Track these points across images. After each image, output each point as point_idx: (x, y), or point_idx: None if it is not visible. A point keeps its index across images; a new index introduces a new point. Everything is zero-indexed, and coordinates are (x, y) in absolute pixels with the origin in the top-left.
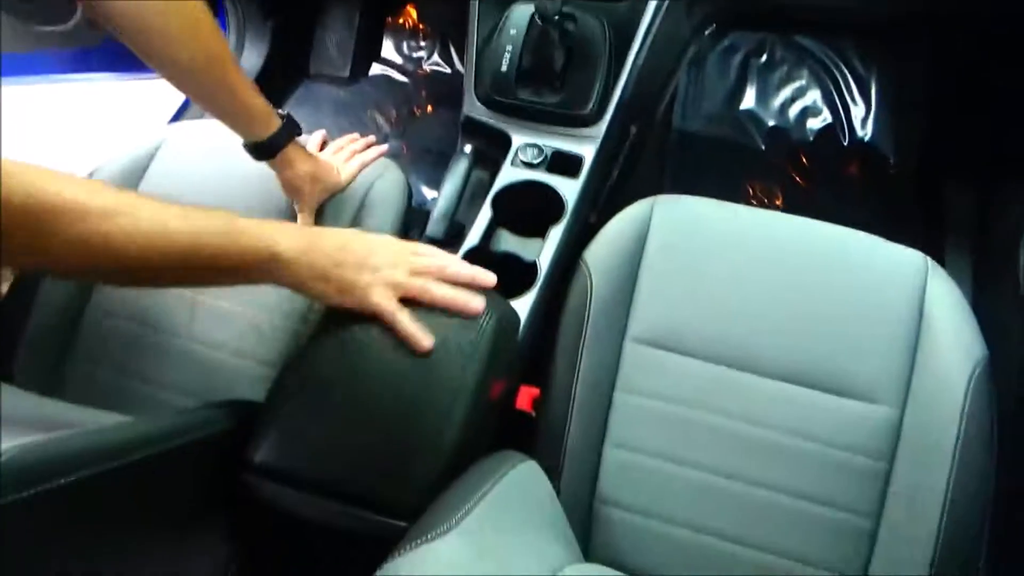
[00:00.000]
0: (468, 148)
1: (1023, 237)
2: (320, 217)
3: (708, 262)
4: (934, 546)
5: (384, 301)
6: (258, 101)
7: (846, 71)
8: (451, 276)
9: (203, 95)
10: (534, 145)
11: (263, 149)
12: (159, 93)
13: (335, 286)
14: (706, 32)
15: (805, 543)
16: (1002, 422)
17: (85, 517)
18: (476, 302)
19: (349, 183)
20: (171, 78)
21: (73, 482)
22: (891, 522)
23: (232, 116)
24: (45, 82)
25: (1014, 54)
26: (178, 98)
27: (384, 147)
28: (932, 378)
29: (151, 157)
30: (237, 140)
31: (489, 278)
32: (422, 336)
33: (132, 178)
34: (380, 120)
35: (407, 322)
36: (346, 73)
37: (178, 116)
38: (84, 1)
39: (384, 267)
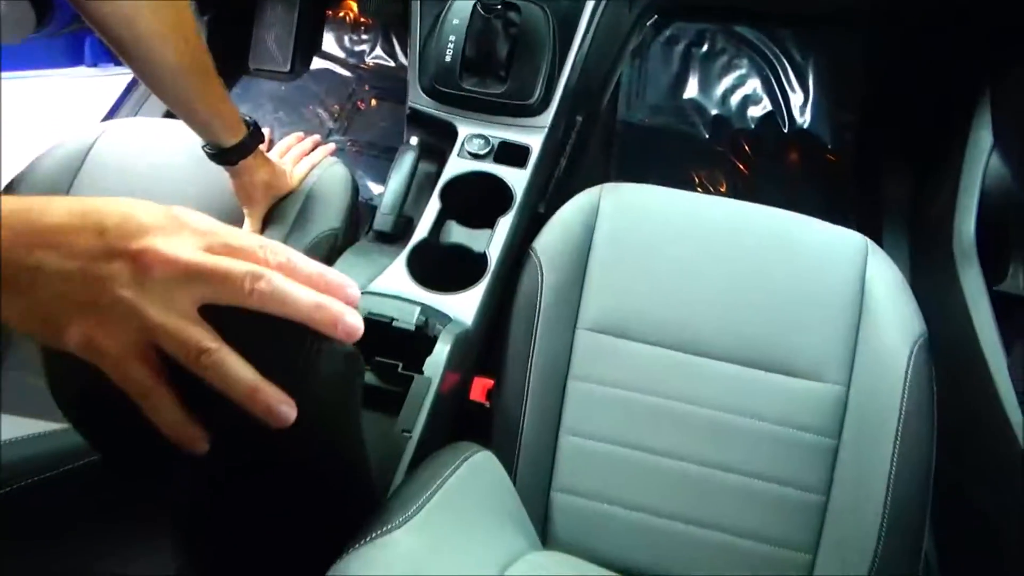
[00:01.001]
0: (414, 140)
1: (955, 216)
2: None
3: (656, 248)
4: (881, 516)
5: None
6: (230, 107)
7: (784, 60)
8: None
9: (180, 98)
10: (480, 136)
11: (225, 155)
12: (88, 91)
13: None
14: (648, 22)
15: (759, 521)
16: (940, 394)
17: (24, 528)
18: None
19: (298, 186)
20: (152, 80)
21: (11, 492)
22: (839, 496)
23: (204, 121)
24: None
25: (940, 44)
26: (110, 96)
27: (331, 146)
28: (874, 355)
29: (86, 153)
30: (172, 138)
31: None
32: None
33: (67, 174)
34: (323, 115)
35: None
36: (286, 68)
37: (112, 114)
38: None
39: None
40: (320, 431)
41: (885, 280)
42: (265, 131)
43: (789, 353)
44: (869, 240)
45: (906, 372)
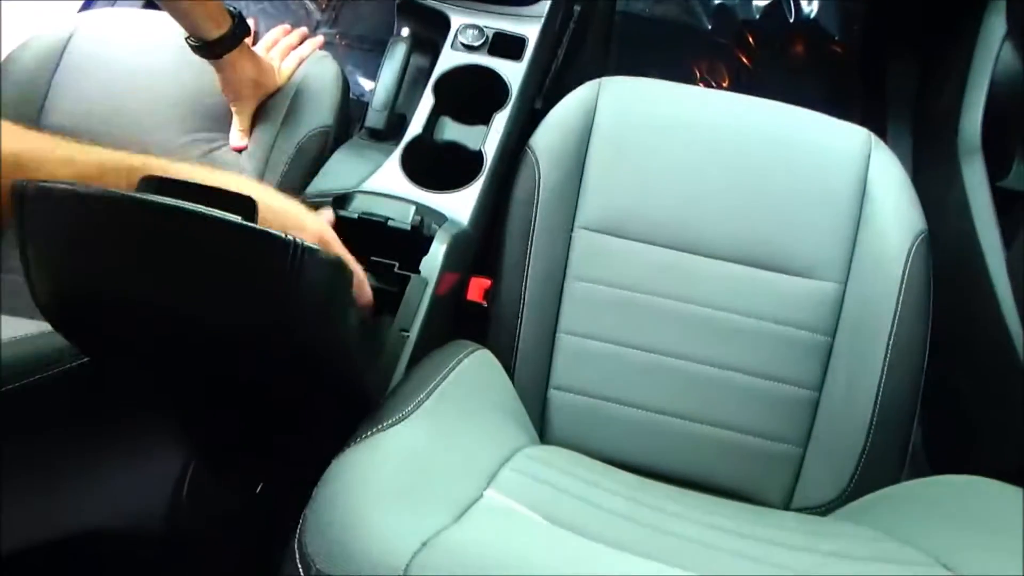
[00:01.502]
0: (405, 32)
1: (961, 110)
2: None
3: (655, 145)
4: (871, 411)
5: None
6: None
7: None
8: None
9: None
10: (474, 26)
11: (209, 48)
12: None
13: None
14: None
15: (753, 416)
16: (938, 292)
17: (34, 426)
18: None
19: (287, 82)
20: None
21: (16, 389)
22: (832, 392)
23: (185, 10)
24: None
25: None
26: None
27: (320, 39)
28: (873, 252)
29: (64, 48)
30: (153, 30)
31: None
32: None
33: (45, 71)
34: (310, 6)
35: None
36: None
37: (88, 4)
38: None
39: None
40: (312, 338)
41: (887, 176)
42: (250, 23)
43: (787, 251)
44: (873, 135)
45: (904, 269)
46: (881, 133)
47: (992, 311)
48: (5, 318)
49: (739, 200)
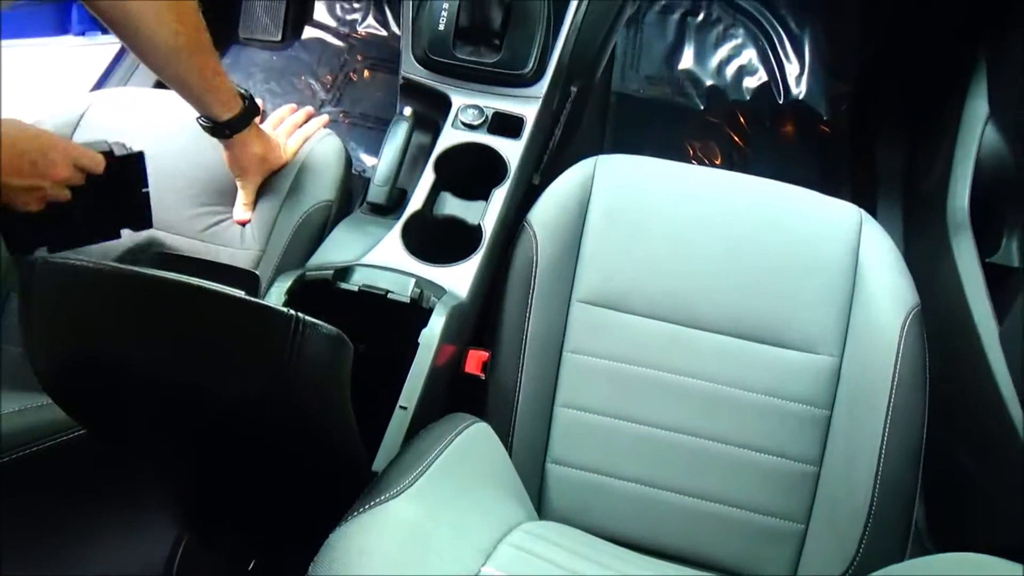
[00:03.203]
0: (407, 111)
1: (949, 188)
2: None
3: (651, 220)
4: (872, 486)
5: None
6: (226, 82)
7: (780, 30)
8: None
9: (176, 76)
10: (474, 106)
11: (221, 129)
12: (76, 60)
13: None
14: None
15: (752, 491)
16: (933, 365)
17: (28, 497)
18: None
19: (292, 159)
20: (148, 59)
21: (9, 462)
22: (832, 466)
23: (200, 97)
24: None
25: (932, 14)
26: (99, 66)
27: (324, 118)
28: (868, 326)
29: (75, 125)
30: (163, 108)
31: None
32: None
33: None
34: (315, 86)
35: None
36: (278, 37)
37: (101, 83)
38: None
39: None
40: (309, 411)
41: (879, 251)
42: (258, 102)
43: (782, 325)
44: (863, 211)
45: (899, 343)
46: (871, 210)
47: (988, 385)
48: (5, 392)
49: (734, 275)
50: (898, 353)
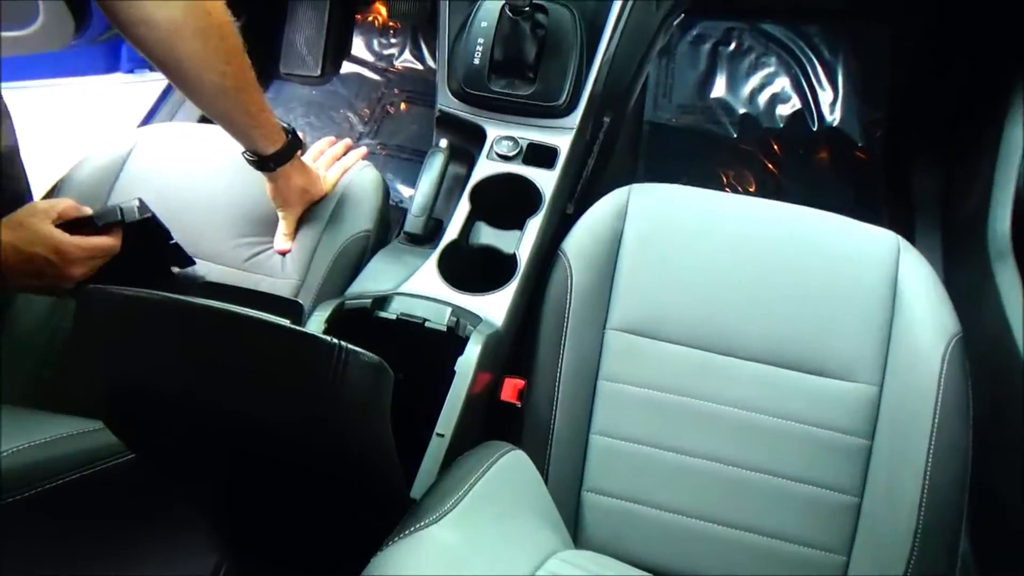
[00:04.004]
0: (443, 143)
1: (989, 214)
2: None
3: (685, 248)
4: (916, 517)
5: None
6: (270, 118)
7: (813, 57)
8: None
9: (223, 114)
10: (509, 138)
11: (265, 162)
12: (124, 95)
13: None
14: (675, 22)
15: (791, 522)
16: (976, 394)
17: (73, 521)
18: None
19: (331, 190)
20: (196, 98)
21: (49, 489)
22: (874, 497)
23: (246, 132)
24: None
25: (964, 40)
26: (146, 100)
27: (363, 150)
28: (908, 354)
29: (124, 160)
30: (207, 142)
31: None
32: None
33: (107, 179)
34: (353, 119)
35: None
36: (317, 72)
37: (148, 119)
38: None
39: None
40: (350, 437)
41: (918, 278)
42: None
43: (820, 353)
44: (901, 238)
45: (940, 372)
46: (909, 236)
47: None
48: (52, 416)
49: (771, 302)
50: (940, 382)
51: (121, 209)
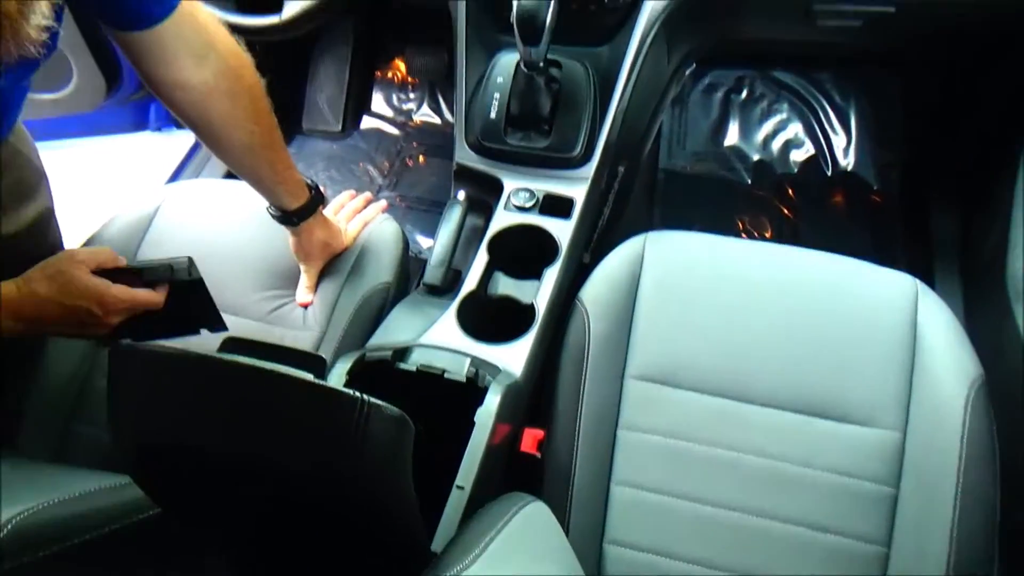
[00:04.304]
0: (461, 195)
1: (1008, 255)
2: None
3: (702, 295)
4: (946, 566)
5: None
6: (295, 174)
7: (825, 103)
8: None
9: (250, 171)
10: (526, 189)
11: (288, 217)
12: (153, 151)
13: None
14: (687, 71)
15: (818, 572)
16: (1002, 439)
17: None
18: None
19: (352, 243)
20: (224, 156)
21: (78, 545)
22: (901, 546)
23: (270, 188)
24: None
25: (974, 87)
26: (174, 156)
27: (383, 203)
28: (930, 399)
29: (152, 216)
30: (232, 198)
31: None
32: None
33: (136, 235)
34: (373, 172)
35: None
36: (338, 127)
37: (176, 176)
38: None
39: None
40: (373, 490)
41: (938, 322)
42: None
43: (842, 399)
44: (919, 282)
45: (964, 416)
46: (928, 280)
47: None
48: (79, 471)
49: (790, 349)
50: (964, 427)
51: (172, 268)
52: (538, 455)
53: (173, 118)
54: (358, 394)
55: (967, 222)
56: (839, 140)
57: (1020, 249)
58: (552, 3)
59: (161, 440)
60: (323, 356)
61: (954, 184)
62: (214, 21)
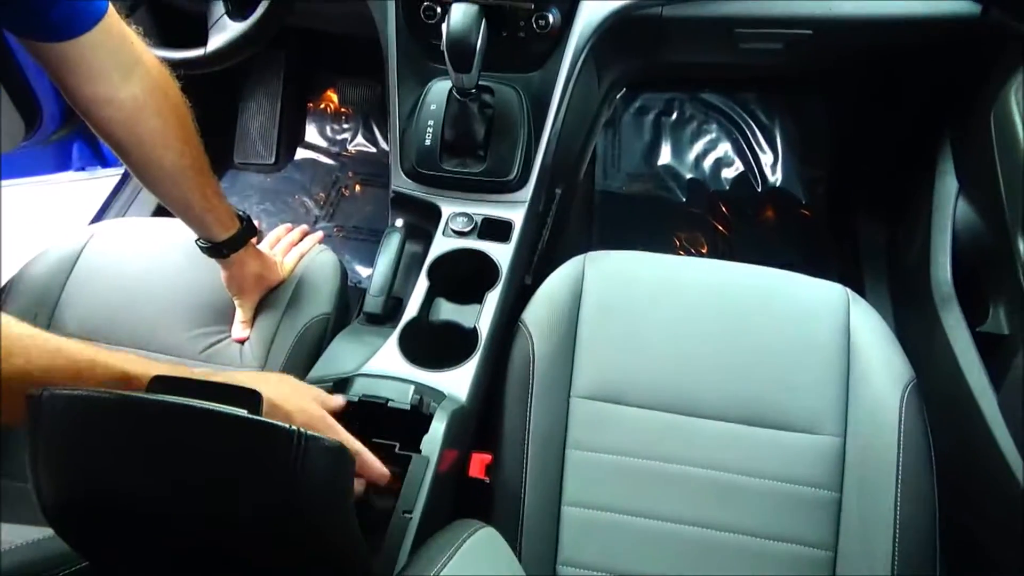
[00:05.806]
0: (399, 222)
1: (931, 262)
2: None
3: (643, 313)
4: (891, 565)
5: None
6: (224, 202)
7: (752, 122)
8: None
9: (181, 197)
10: (464, 214)
11: (218, 249)
12: (74, 193)
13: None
14: (618, 95)
15: None
16: (935, 438)
17: None
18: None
19: (288, 275)
20: (150, 180)
21: None
22: (847, 549)
23: (198, 217)
24: None
25: (891, 101)
26: (98, 197)
27: (319, 234)
28: (867, 403)
29: (76, 257)
30: (161, 236)
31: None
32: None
33: (58, 279)
34: (309, 203)
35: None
36: (271, 160)
37: (100, 215)
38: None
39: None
40: (315, 523)
41: (869, 329)
42: (254, 223)
43: (782, 408)
44: (849, 291)
45: (899, 418)
46: (859, 288)
47: (993, 454)
48: (6, 526)
49: (729, 361)
50: (900, 428)
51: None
52: (487, 480)
53: (97, 156)
54: (294, 427)
55: (892, 232)
56: (767, 157)
57: (941, 255)
58: (482, 30)
59: (85, 489)
60: (257, 390)
61: (878, 195)
62: (136, 35)
